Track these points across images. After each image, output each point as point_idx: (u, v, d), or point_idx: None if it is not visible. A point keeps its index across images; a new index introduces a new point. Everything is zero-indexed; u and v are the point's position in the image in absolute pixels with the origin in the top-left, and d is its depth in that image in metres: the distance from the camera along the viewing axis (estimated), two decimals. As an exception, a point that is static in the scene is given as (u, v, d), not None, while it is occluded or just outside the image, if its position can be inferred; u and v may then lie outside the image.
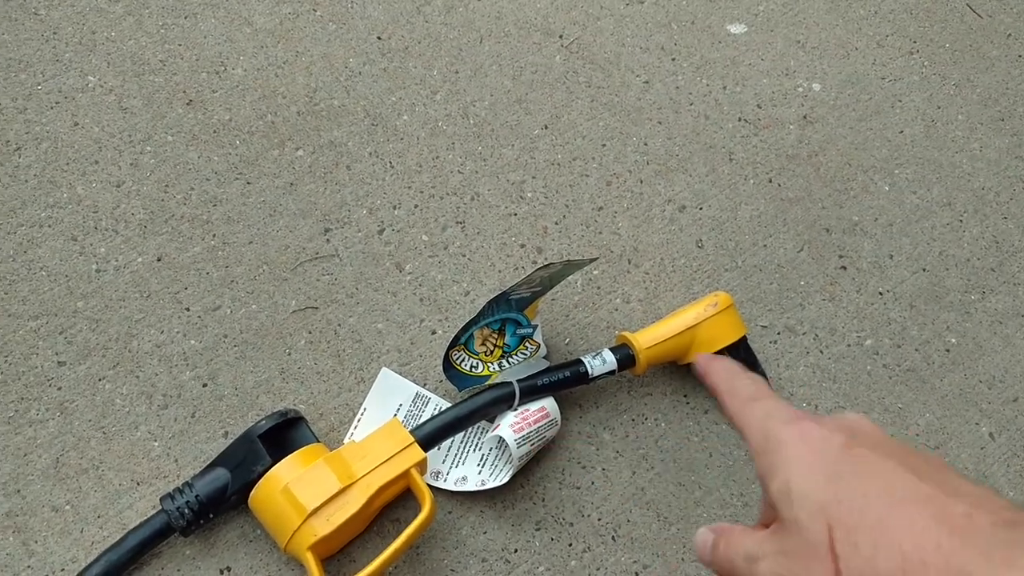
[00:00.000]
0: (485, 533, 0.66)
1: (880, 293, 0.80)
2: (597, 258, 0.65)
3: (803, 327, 0.78)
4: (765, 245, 0.80)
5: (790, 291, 0.79)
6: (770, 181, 0.83)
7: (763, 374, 0.72)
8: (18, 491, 0.63)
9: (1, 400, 0.65)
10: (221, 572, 0.63)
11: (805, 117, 0.87)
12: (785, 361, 0.76)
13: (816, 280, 0.80)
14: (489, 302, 0.67)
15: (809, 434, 0.42)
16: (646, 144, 0.83)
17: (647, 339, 0.69)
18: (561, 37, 0.86)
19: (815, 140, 0.86)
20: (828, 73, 0.90)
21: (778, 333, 0.77)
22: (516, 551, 0.66)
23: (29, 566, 0.61)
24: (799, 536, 0.40)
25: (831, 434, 0.42)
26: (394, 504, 0.66)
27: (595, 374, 0.68)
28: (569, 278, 0.76)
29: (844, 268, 0.81)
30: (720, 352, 0.70)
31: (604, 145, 0.82)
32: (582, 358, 0.68)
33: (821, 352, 0.77)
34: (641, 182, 0.81)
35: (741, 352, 0.71)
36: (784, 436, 0.43)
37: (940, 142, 0.88)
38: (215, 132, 0.77)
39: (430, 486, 0.67)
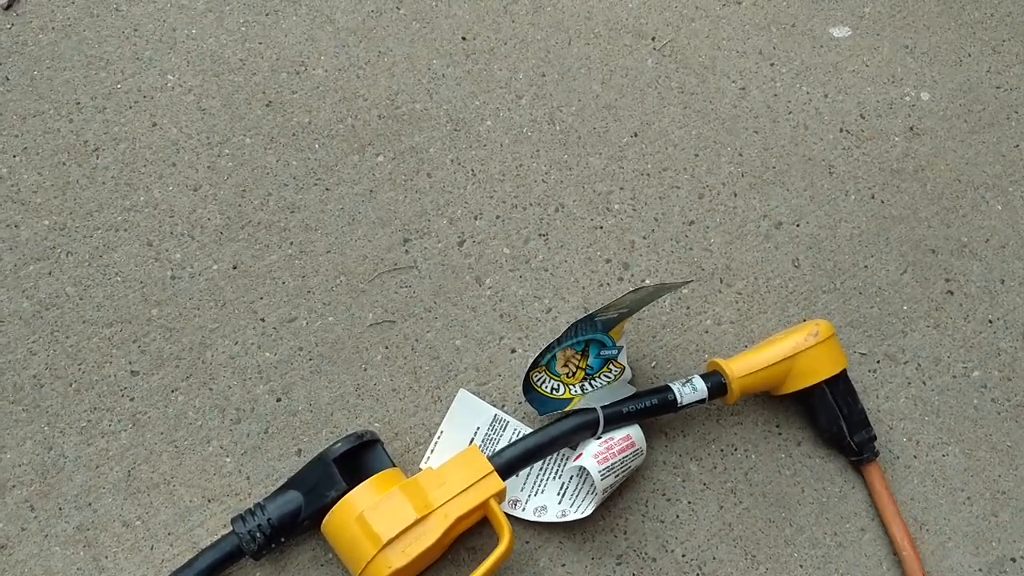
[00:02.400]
0: (563, 566, 0.63)
1: (990, 321, 0.75)
2: (692, 280, 0.62)
3: (905, 355, 0.73)
4: (866, 266, 0.75)
5: (892, 316, 0.74)
6: (872, 197, 0.78)
7: (862, 411, 0.67)
8: (89, 504, 0.62)
9: (74, 409, 0.64)
10: (291, 597, 0.61)
11: (912, 129, 0.81)
12: (885, 392, 0.71)
13: (920, 305, 0.75)
14: (573, 323, 0.63)
15: None
16: (741, 155, 0.78)
17: (741, 367, 0.65)
18: (653, 39, 0.82)
19: (922, 154, 0.80)
20: (938, 81, 0.84)
21: (878, 361, 0.72)
22: (595, 586, 0.63)
23: (99, 583, 0.60)
24: None
25: None
26: (470, 531, 0.63)
27: (684, 402, 0.64)
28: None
29: (951, 293, 0.75)
30: (819, 385, 0.66)
31: (696, 155, 0.78)
32: (671, 384, 0.65)
33: (924, 383, 0.72)
34: (735, 195, 0.77)
35: (840, 386, 0.67)
36: None
37: (1059, 158, 0.82)
38: (294, 135, 0.74)
39: (507, 515, 0.64)
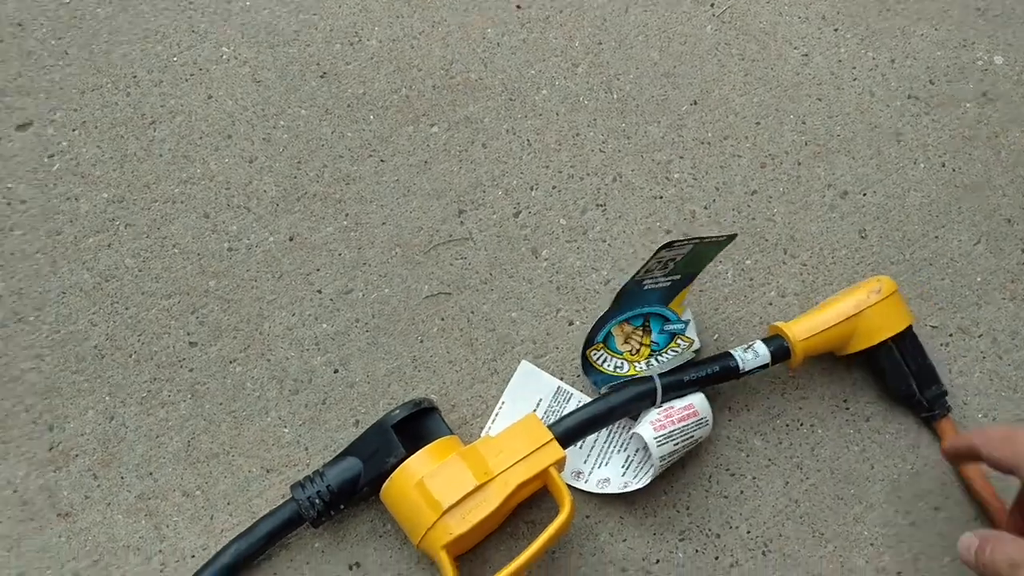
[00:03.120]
0: (625, 541, 0.62)
1: (1069, 293, 0.71)
2: (736, 235, 0.59)
3: (979, 329, 0.70)
4: (937, 236, 0.73)
5: (965, 288, 0.71)
6: (943, 165, 0.75)
7: (931, 366, 0.65)
8: (150, 473, 0.62)
9: (135, 379, 0.64)
10: (350, 567, 0.60)
11: (985, 94, 0.78)
12: (958, 367, 0.68)
13: (995, 276, 0.72)
14: (619, 293, 0.62)
15: None
16: (804, 123, 0.76)
17: (803, 329, 0.63)
18: (713, 5, 0.80)
19: (996, 120, 0.77)
20: (1012, 44, 0.81)
21: (950, 335, 0.69)
22: (658, 562, 0.62)
23: (160, 550, 0.60)
24: None
25: None
26: (528, 504, 0.62)
27: (746, 368, 0.62)
28: (719, 268, 0.70)
29: (1027, 264, 0.72)
30: (884, 343, 0.63)
31: (758, 123, 0.76)
32: (731, 351, 0.63)
33: (1000, 358, 0.69)
34: (799, 164, 0.74)
35: (907, 342, 0.64)
36: None
37: None
38: (349, 106, 0.74)
39: (572, 487, 0.63)
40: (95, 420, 0.63)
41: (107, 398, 0.63)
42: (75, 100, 0.72)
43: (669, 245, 0.57)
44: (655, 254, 0.57)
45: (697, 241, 0.58)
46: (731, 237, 0.60)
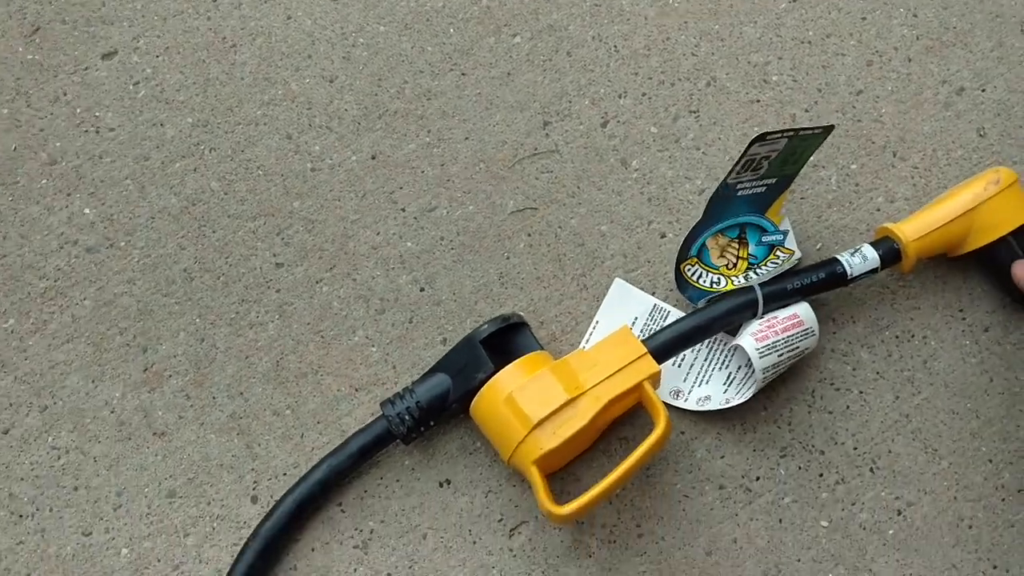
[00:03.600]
0: (723, 458, 0.60)
1: None
2: (833, 127, 0.55)
3: (1114, 231, 0.64)
4: (1065, 133, 0.67)
5: (1098, 188, 0.65)
6: (1073, 55, 0.69)
7: None
8: (241, 393, 0.62)
9: (224, 301, 0.64)
10: (440, 485, 0.60)
11: (1121, -25, 0.71)
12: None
13: None
14: (712, 199, 0.58)
15: None
16: (915, 16, 0.70)
17: (915, 229, 0.59)
18: None
19: None
20: None
21: (1081, 239, 0.64)
22: (758, 479, 0.59)
23: (253, 468, 0.60)
24: None
25: None
26: (622, 422, 0.60)
27: (854, 274, 0.59)
28: (821, 173, 0.66)
29: None
30: (1004, 239, 0.58)
31: (864, 18, 0.70)
32: (838, 256, 0.59)
33: None
34: (909, 61, 0.69)
35: None
36: None
37: None
38: (428, 20, 0.71)
39: (670, 406, 0.60)
40: (186, 342, 0.63)
41: (197, 320, 0.64)
42: (158, 27, 0.72)
43: (762, 137, 0.53)
44: (746, 150, 0.54)
45: (792, 133, 0.54)
46: (828, 128, 0.56)
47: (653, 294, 0.64)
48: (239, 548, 0.57)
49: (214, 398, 0.62)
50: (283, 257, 0.65)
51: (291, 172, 0.68)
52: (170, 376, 0.63)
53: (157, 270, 0.65)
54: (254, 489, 0.60)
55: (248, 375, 0.63)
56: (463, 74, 0.70)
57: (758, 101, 0.68)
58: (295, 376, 0.63)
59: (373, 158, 0.68)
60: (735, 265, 0.62)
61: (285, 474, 0.60)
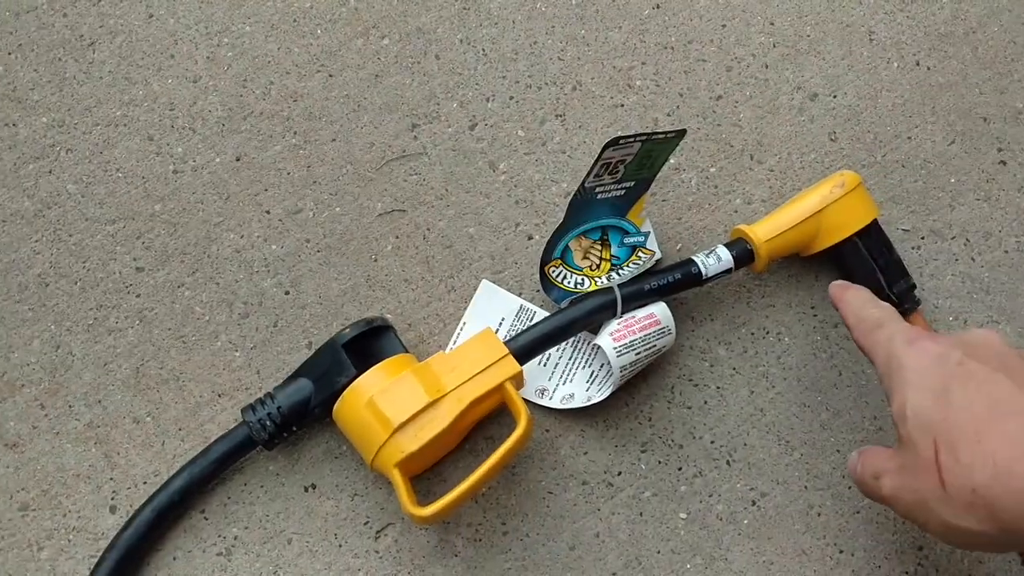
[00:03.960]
0: (586, 454, 0.61)
1: (1046, 191, 0.69)
2: (685, 131, 0.57)
3: (952, 231, 0.68)
4: (910, 137, 0.70)
5: (938, 190, 0.69)
6: (917, 64, 0.72)
7: (898, 260, 0.63)
8: (99, 401, 0.61)
9: (80, 307, 0.63)
10: (306, 489, 0.59)
11: (961, -12, 0.75)
12: (930, 269, 0.66)
13: (969, 177, 0.69)
14: (571, 203, 0.59)
15: (926, 352, 0.46)
16: (772, 24, 0.73)
17: (767, 231, 0.61)
18: (675, -96, 0.76)
19: (973, 15, 0.74)
20: (990, -65, 0.77)
21: (922, 238, 0.67)
22: (620, 474, 0.61)
23: (112, 478, 0.59)
24: (912, 452, 0.45)
25: (947, 351, 0.45)
26: (489, 421, 0.61)
27: (709, 274, 0.61)
28: (682, 176, 0.68)
29: (1003, 163, 0.70)
30: (850, 239, 0.61)
31: (724, 26, 0.73)
32: (694, 257, 0.61)
33: (973, 259, 0.67)
34: (766, 67, 0.72)
35: (873, 237, 0.62)
36: (903, 357, 0.46)
37: (1126, 14, 0.75)
38: (295, 21, 0.71)
39: (535, 404, 0.61)
40: (40, 349, 0.61)
41: (52, 327, 0.62)
42: (10, 23, 0.69)
43: (615, 142, 0.55)
44: (600, 155, 0.55)
45: (644, 138, 0.56)
46: (681, 132, 0.58)
47: (520, 295, 0.64)
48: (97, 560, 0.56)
49: (70, 407, 0.60)
50: (143, 261, 0.64)
51: (152, 174, 0.66)
52: (23, 385, 0.61)
53: (9, 275, 0.63)
54: (113, 499, 0.59)
55: (106, 382, 0.61)
56: (330, 76, 0.69)
57: (622, 105, 0.70)
58: (156, 383, 0.61)
59: (238, 160, 0.67)
60: (598, 266, 0.63)
61: (145, 483, 0.59)
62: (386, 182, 0.67)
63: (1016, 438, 0.41)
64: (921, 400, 0.44)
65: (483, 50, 0.71)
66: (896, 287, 0.62)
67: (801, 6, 0.73)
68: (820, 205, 0.61)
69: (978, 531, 0.42)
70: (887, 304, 0.54)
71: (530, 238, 0.66)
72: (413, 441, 0.54)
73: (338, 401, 0.56)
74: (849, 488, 0.61)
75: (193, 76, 0.69)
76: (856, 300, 0.54)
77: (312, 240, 0.65)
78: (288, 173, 0.67)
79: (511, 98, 0.69)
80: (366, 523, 0.59)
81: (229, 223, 0.65)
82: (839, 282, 0.58)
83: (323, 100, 0.69)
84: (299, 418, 0.57)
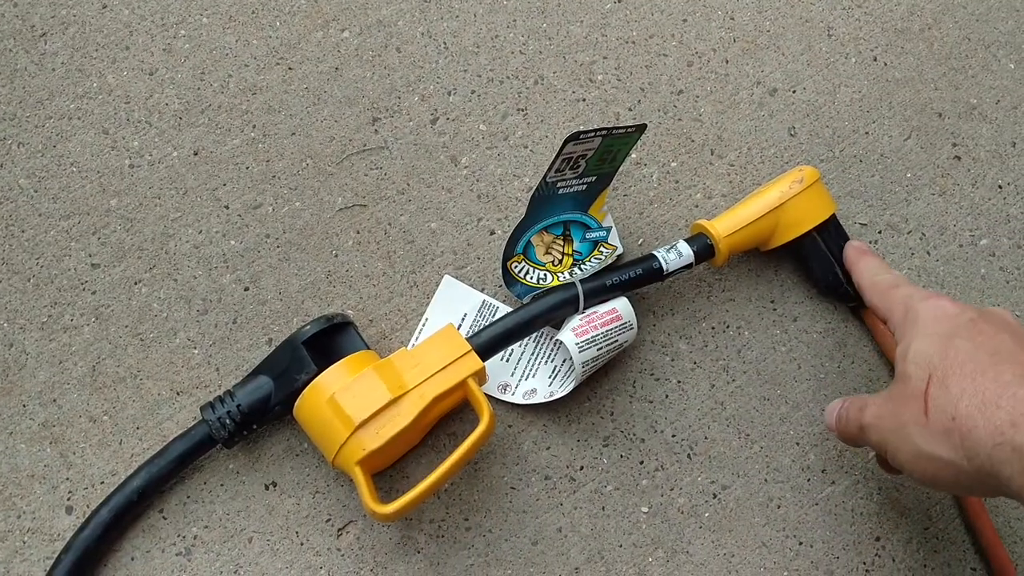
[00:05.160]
0: (549, 449, 0.61)
1: (999, 186, 0.70)
2: (645, 126, 0.57)
3: (908, 225, 0.69)
4: (867, 132, 0.71)
5: (894, 184, 0.70)
6: (875, 59, 0.73)
7: None
8: (54, 400, 0.59)
9: (34, 305, 0.61)
10: (266, 487, 0.59)
11: (917, -16, 0.76)
12: (887, 263, 0.67)
13: (925, 172, 0.70)
14: (533, 198, 0.59)
15: (943, 308, 0.50)
16: (733, 19, 0.73)
17: (726, 225, 0.61)
18: (636, -103, 0.76)
19: (929, 11, 0.75)
20: (946, -68, 0.78)
21: (879, 232, 0.68)
22: (582, 468, 0.61)
23: (68, 478, 0.58)
24: (904, 384, 0.47)
25: (963, 310, 0.49)
26: (451, 417, 0.61)
27: (670, 269, 0.61)
28: (643, 171, 0.68)
29: (958, 158, 0.71)
30: (808, 234, 0.62)
31: (685, 20, 0.73)
32: (655, 252, 0.61)
33: (928, 253, 0.68)
34: (727, 62, 0.72)
35: (831, 231, 0.63)
36: (921, 308, 0.50)
37: (1076, 11, 0.76)
38: (253, 13, 0.70)
39: (498, 400, 0.61)
40: (-7, 347, 0.60)
41: (5, 324, 0.61)
42: (-42, 12, 0.68)
43: (575, 137, 0.55)
44: (561, 149, 0.55)
45: (605, 132, 0.56)
46: (641, 128, 0.58)
47: (483, 290, 0.64)
48: (53, 562, 0.55)
49: (24, 406, 0.59)
50: (99, 257, 0.63)
51: (108, 169, 0.65)
52: (-25, 385, 0.60)
53: (-41, 273, 0.62)
54: (69, 499, 0.58)
55: (62, 381, 0.60)
56: (290, 68, 0.68)
57: (584, 100, 0.70)
58: (113, 381, 0.60)
59: (195, 154, 0.66)
60: (561, 261, 0.63)
61: (103, 482, 0.58)
62: (347, 176, 0.66)
63: (1008, 381, 0.43)
64: (928, 342, 0.48)
65: (444, 43, 0.70)
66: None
67: (761, 2, 0.74)
68: (779, 200, 0.61)
69: (947, 459, 0.44)
70: (901, 274, 0.58)
71: (492, 233, 0.66)
72: (375, 439, 0.53)
73: (299, 399, 0.55)
74: (808, 480, 0.62)
75: (149, 68, 0.68)
76: (872, 264, 0.59)
77: (272, 235, 0.64)
78: (247, 167, 0.66)
79: (473, 92, 0.69)
80: (328, 520, 0.58)
81: (187, 218, 0.64)
82: (856, 244, 0.62)
83: (282, 93, 0.68)
84: (259, 416, 0.56)
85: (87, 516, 0.55)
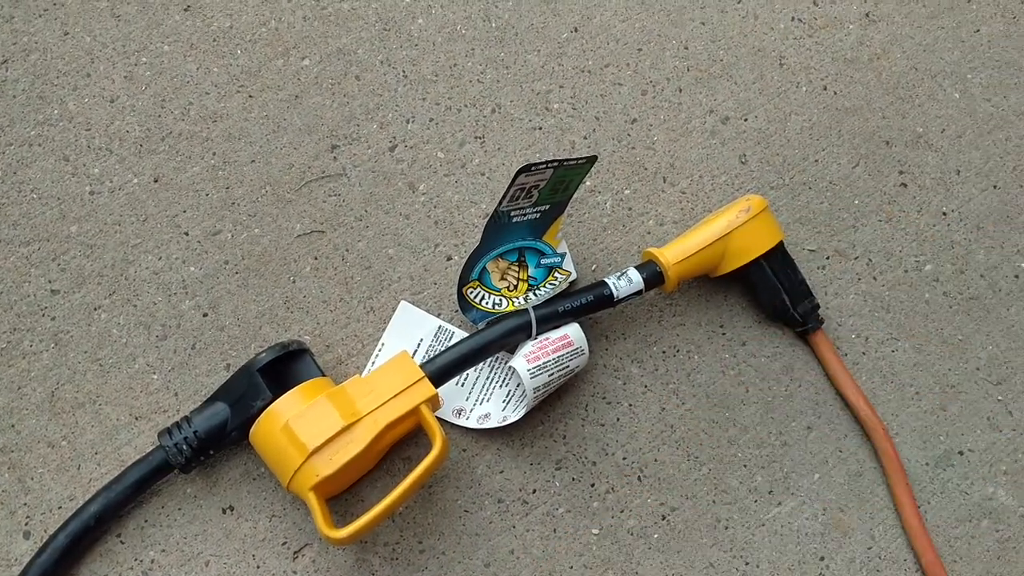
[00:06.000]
0: (502, 472, 0.62)
1: (944, 213, 0.72)
2: (596, 157, 0.59)
3: (855, 251, 0.71)
4: (816, 160, 0.73)
5: (843, 211, 0.72)
6: (825, 88, 0.75)
7: (802, 281, 0.66)
8: (12, 426, 0.60)
9: (-7, 330, 0.62)
10: (224, 511, 0.60)
11: (867, 15, 0.78)
12: (834, 288, 0.69)
13: (872, 199, 0.72)
14: (487, 226, 0.61)
15: None
16: (687, 48, 0.75)
17: (675, 253, 0.63)
18: (593, -72, 0.78)
19: (877, 41, 0.77)
20: (895, -36, 0.80)
21: (827, 258, 0.70)
22: (535, 491, 0.62)
23: (26, 503, 0.59)
24: None
25: None
26: (406, 442, 0.62)
27: (621, 296, 0.62)
28: (597, 198, 0.69)
29: (904, 185, 0.73)
30: (756, 261, 0.64)
31: (640, 50, 0.75)
32: (606, 279, 0.63)
33: (874, 279, 0.70)
34: (680, 91, 0.74)
35: (778, 259, 0.65)
36: None
37: (1021, 42, 0.78)
38: (215, 41, 0.71)
39: (452, 424, 0.63)
40: (-48, 374, 0.61)
41: (-36, 351, 0.61)
42: (-80, 39, 0.68)
43: (527, 168, 0.56)
44: (513, 180, 0.56)
45: (556, 164, 0.57)
46: (592, 159, 0.59)
47: (439, 316, 0.66)
48: (9, 587, 0.56)
49: (-17, 432, 0.60)
50: (59, 284, 0.64)
51: (68, 195, 0.66)
52: (-67, 411, 0.60)
53: (-81, 299, 0.62)
54: (26, 524, 0.58)
55: (20, 407, 0.61)
56: (250, 96, 0.70)
57: (540, 128, 0.71)
58: (71, 406, 0.61)
59: (156, 181, 0.67)
60: (516, 287, 0.65)
61: (60, 508, 0.59)
62: (305, 203, 0.67)
63: None
64: None
65: (403, 72, 0.72)
66: (800, 307, 0.65)
67: (715, 31, 0.76)
68: (726, 229, 0.63)
69: None
70: None
71: (449, 259, 0.67)
72: (328, 465, 0.54)
73: (254, 425, 0.56)
74: (755, 502, 0.63)
75: (110, 95, 0.68)
76: None
77: (231, 262, 0.65)
78: (207, 194, 0.67)
79: (431, 120, 0.71)
80: (284, 544, 0.60)
81: (147, 245, 0.65)
82: None
83: (243, 121, 0.69)
84: (216, 442, 0.57)
85: (44, 541, 0.56)
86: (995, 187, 0.73)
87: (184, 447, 0.57)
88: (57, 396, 0.61)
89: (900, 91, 0.76)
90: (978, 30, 0.78)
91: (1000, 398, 0.67)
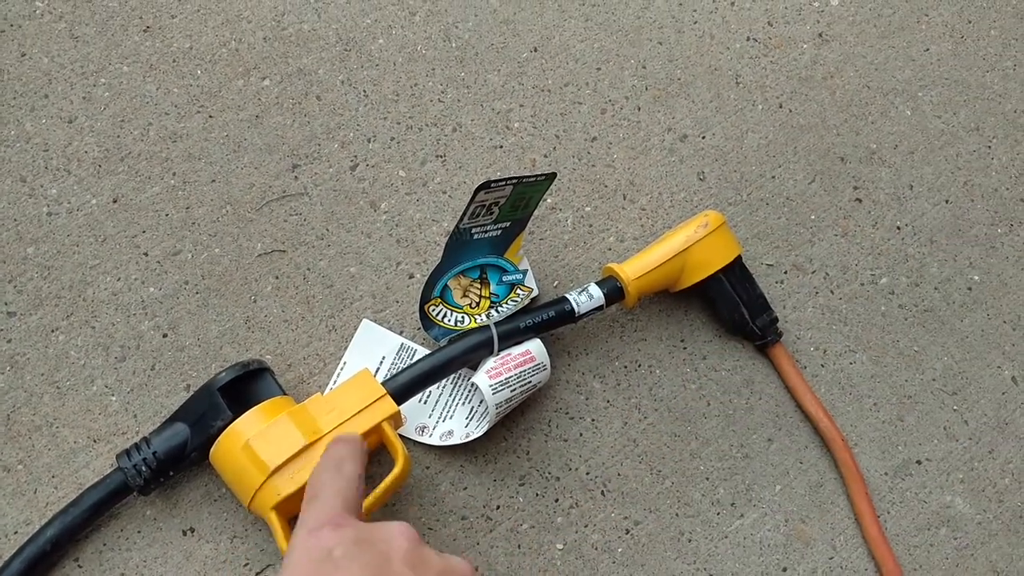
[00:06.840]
0: (465, 489, 0.62)
1: (898, 227, 0.74)
2: (555, 174, 0.59)
3: (812, 265, 0.72)
4: (773, 176, 0.74)
5: (799, 226, 0.73)
6: (780, 106, 0.76)
7: (761, 295, 0.67)
8: (-33, 450, 0.59)
9: (-53, 353, 0.61)
10: (184, 533, 0.59)
11: (821, 35, 0.80)
12: (792, 302, 0.70)
13: (828, 214, 0.73)
14: (448, 243, 0.61)
15: (313, 547, 0.44)
16: (645, 67, 0.76)
17: (635, 269, 0.64)
18: (552, -50, 0.79)
19: (831, 60, 0.79)
20: (846, -15, 0.82)
21: (785, 272, 0.71)
22: (498, 507, 0.62)
23: (-20, 529, 0.58)
24: None
25: (335, 546, 0.43)
26: (369, 460, 0.62)
27: (582, 311, 0.63)
28: (558, 216, 0.70)
29: (859, 200, 0.74)
30: (715, 275, 0.65)
31: (599, 69, 0.76)
32: (567, 295, 0.63)
33: (831, 292, 0.71)
34: (639, 109, 0.75)
35: (737, 273, 0.66)
36: (294, 547, 0.45)
37: (969, 60, 0.80)
38: (174, 61, 0.71)
39: (415, 442, 0.63)
40: (-95, 398, 0.60)
41: (-83, 375, 0.60)
42: None
43: (486, 186, 0.57)
44: (473, 198, 0.57)
45: (516, 181, 0.58)
46: (551, 176, 0.60)
47: (402, 333, 0.66)
48: (-38, 615, 0.54)
49: (-64, 457, 0.59)
50: (15, 306, 0.63)
51: (25, 216, 0.65)
52: None
53: None
54: (-19, 551, 0.58)
55: (-25, 431, 0.60)
56: (210, 116, 0.69)
57: (501, 147, 0.72)
58: (28, 429, 0.60)
59: (115, 201, 0.66)
60: (478, 304, 0.65)
61: (16, 532, 0.58)
62: (266, 222, 0.67)
63: None
64: None
65: (364, 91, 0.72)
66: (759, 320, 0.66)
67: (672, 51, 0.77)
68: (685, 244, 0.64)
69: None
70: (348, 472, 0.49)
71: (411, 277, 0.67)
72: (290, 483, 0.54)
73: (214, 445, 0.56)
74: (718, 514, 0.64)
75: (68, 116, 0.68)
76: (323, 462, 0.51)
77: (191, 282, 0.65)
78: (167, 214, 0.66)
79: (392, 139, 0.71)
80: (246, 565, 0.59)
81: (105, 266, 0.65)
82: (338, 437, 0.53)
83: (203, 141, 0.69)
84: (175, 463, 0.57)
85: (-1, 567, 0.55)
86: (947, 201, 0.75)
87: (143, 468, 0.56)
88: (13, 419, 0.60)
89: (854, 108, 0.77)
90: (927, 49, 0.80)
91: (955, 408, 0.69)
